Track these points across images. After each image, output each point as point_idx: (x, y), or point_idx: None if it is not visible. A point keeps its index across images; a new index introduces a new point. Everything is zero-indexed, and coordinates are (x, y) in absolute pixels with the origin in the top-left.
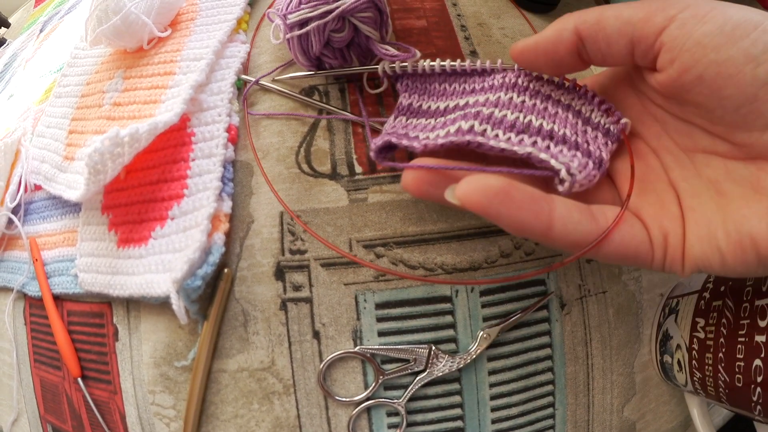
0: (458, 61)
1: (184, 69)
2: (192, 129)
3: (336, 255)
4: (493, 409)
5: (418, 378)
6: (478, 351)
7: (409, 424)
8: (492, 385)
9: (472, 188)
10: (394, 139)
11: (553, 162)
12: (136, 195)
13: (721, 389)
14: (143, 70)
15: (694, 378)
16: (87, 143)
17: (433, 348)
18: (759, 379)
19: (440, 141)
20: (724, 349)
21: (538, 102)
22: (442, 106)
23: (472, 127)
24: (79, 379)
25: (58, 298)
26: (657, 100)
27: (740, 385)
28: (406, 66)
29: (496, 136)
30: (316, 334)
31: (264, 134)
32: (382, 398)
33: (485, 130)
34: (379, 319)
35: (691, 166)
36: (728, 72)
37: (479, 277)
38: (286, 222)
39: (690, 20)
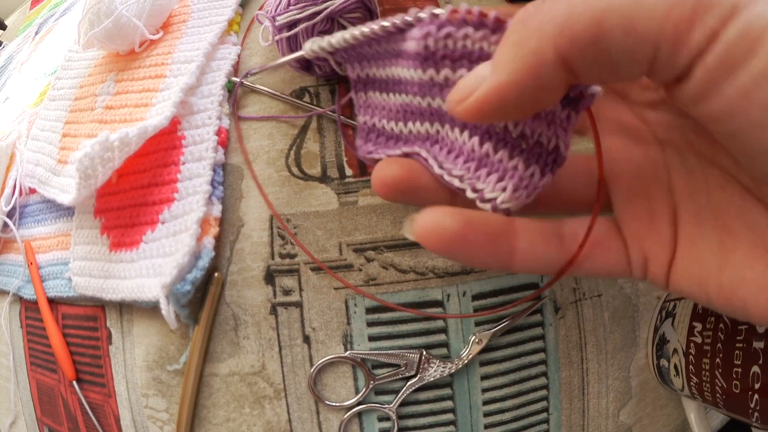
0: (374, 23)
1: (174, 72)
2: (182, 132)
3: (326, 259)
4: (486, 414)
5: (409, 383)
6: (470, 356)
7: (401, 429)
8: (484, 390)
9: (429, 231)
10: (376, 156)
11: (479, 204)
12: (128, 198)
13: (718, 395)
14: (135, 73)
15: (691, 383)
16: (80, 147)
17: (424, 353)
18: (757, 386)
19: (396, 152)
20: (721, 355)
21: (464, 72)
22: (381, 73)
23: (427, 131)
24: (74, 382)
25: (52, 302)
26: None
27: (737, 391)
28: (325, 46)
29: (445, 149)
30: (307, 339)
31: (254, 137)
32: (373, 403)
33: (437, 130)
34: (370, 324)
35: (701, 178)
36: None
37: (471, 281)
38: (275, 226)
39: (738, 43)
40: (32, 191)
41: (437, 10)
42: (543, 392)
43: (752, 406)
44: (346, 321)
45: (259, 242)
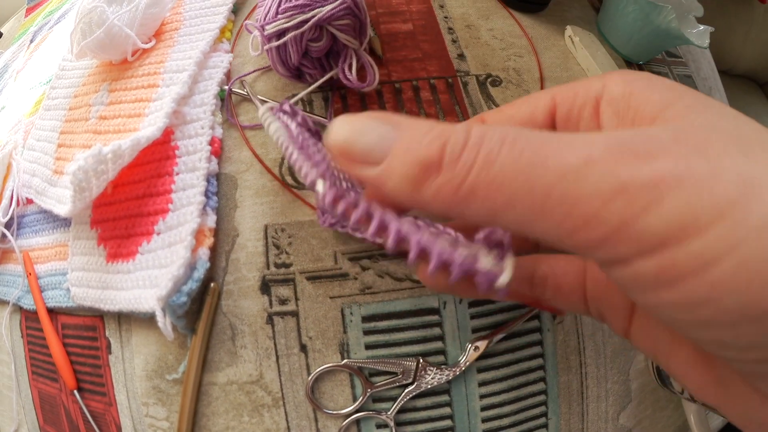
0: (288, 150)
1: (167, 81)
2: (176, 142)
3: (321, 268)
4: (484, 420)
5: (406, 390)
6: (468, 363)
7: None
8: (482, 396)
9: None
10: (339, 228)
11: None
12: (123, 209)
13: None
14: (128, 83)
15: None
16: (74, 157)
17: (421, 360)
18: None
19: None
20: None
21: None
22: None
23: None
24: (75, 392)
25: (52, 311)
26: None
27: None
28: (264, 126)
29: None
30: (303, 348)
31: (247, 146)
32: (370, 410)
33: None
34: (366, 332)
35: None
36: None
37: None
38: (270, 235)
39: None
40: (29, 201)
41: (322, 188)
42: (541, 397)
43: None
44: (342, 329)
45: (254, 252)
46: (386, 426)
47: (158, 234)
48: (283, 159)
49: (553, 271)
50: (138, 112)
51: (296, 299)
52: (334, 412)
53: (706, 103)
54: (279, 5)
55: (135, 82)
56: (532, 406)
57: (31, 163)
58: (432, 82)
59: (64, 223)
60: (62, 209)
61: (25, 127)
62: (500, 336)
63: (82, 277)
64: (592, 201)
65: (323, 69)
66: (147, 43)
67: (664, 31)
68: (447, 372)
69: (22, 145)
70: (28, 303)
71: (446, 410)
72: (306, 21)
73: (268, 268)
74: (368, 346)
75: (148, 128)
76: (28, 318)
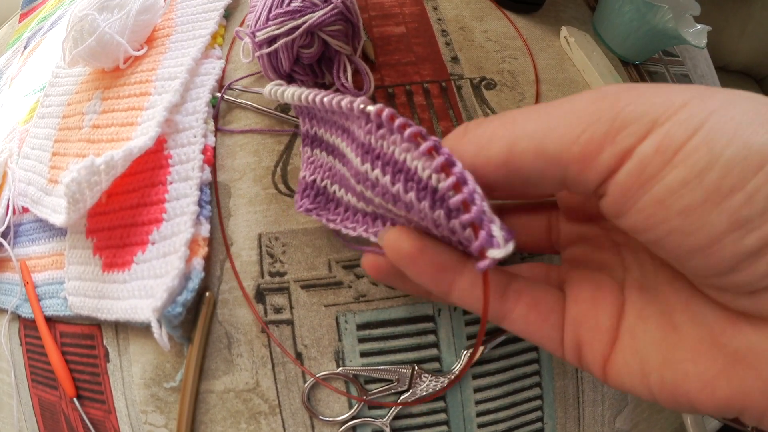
0: (317, 93)
1: (159, 89)
2: (168, 151)
3: (316, 276)
4: (480, 426)
5: (402, 397)
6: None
7: None
8: (478, 403)
9: (388, 245)
10: (305, 211)
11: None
12: (118, 219)
13: None
14: (120, 91)
15: None
16: (69, 166)
17: (416, 368)
18: None
19: (343, 231)
20: None
21: (388, 182)
22: (329, 138)
23: (363, 207)
24: (75, 399)
25: (50, 320)
26: None
27: None
28: (277, 95)
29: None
30: (299, 356)
31: (240, 154)
32: (366, 417)
33: (371, 210)
34: (361, 340)
35: (653, 275)
36: (698, 244)
37: None
38: (264, 244)
39: (653, 158)
40: (25, 210)
41: (380, 108)
42: (537, 402)
43: None
44: (337, 337)
45: (248, 261)
46: None
47: (153, 244)
48: (275, 166)
49: (532, 290)
50: (130, 120)
51: (291, 308)
52: (330, 419)
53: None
54: (270, 11)
55: (127, 90)
56: (527, 411)
57: (26, 172)
58: (425, 87)
59: (60, 232)
60: (57, 219)
61: (20, 135)
62: (495, 342)
63: (79, 287)
64: (581, 107)
65: (315, 75)
66: (139, 51)
67: (661, 31)
68: (442, 379)
69: (17, 153)
70: (26, 312)
71: (442, 416)
72: (297, 27)
73: (263, 277)
74: (363, 354)
75: (141, 138)
76: (27, 326)
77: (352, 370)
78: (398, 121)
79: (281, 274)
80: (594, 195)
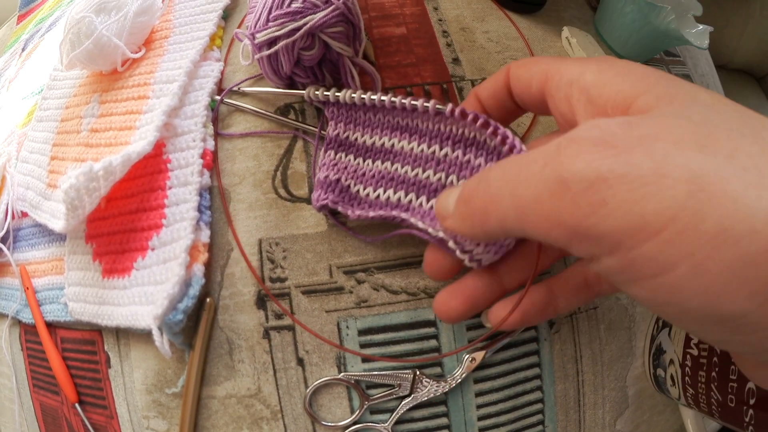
0: (380, 94)
1: (157, 93)
2: (167, 155)
3: (317, 282)
4: (481, 429)
5: (403, 402)
6: (464, 374)
7: None
8: (479, 407)
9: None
10: (330, 203)
11: (458, 254)
12: (117, 224)
13: (713, 407)
14: (118, 94)
15: (687, 394)
16: (67, 170)
17: (417, 373)
18: (752, 401)
19: (371, 215)
20: (717, 368)
21: (460, 154)
22: (368, 141)
23: (399, 199)
24: (77, 405)
25: (51, 325)
26: None
27: (733, 405)
28: (328, 95)
29: (421, 212)
30: (300, 362)
31: (240, 158)
32: (368, 422)
33: (410, 200)
34: (363, 345)
35: None
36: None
37: None
38: (265, 250)
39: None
40: (24, 215)
41: (452, 107)
42: (538, 406)
43: (747, 420)
44: (338, 343)
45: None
46: None
47: (153, 250)
48: (275, 171)
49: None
50: (129, 124)
51: (292, 313)
52: (332, 425)
53: (679, 92)
54: (269, 12)
55: (125, 94)
56: (529, 414)
57: (24, 176)
58: (426, 88)
59: (60, 237)
60: (56, 224)
61: (18, 139)
62: (497, 347)
63: (79, 293)
64: (543, 200)
65: (316, 78)
66: (137, 53)
67: (663, 32)
68: (443, 384)
69: (15, 157)
70: (26, 317)
71: (443, 420)
72: (297, 29)
73: (264, 283)
74: (365, 359)
75: (139, 142)
76: (27, 331)
77: (354, 375)
78: (470, 115)
79: (282, 280)
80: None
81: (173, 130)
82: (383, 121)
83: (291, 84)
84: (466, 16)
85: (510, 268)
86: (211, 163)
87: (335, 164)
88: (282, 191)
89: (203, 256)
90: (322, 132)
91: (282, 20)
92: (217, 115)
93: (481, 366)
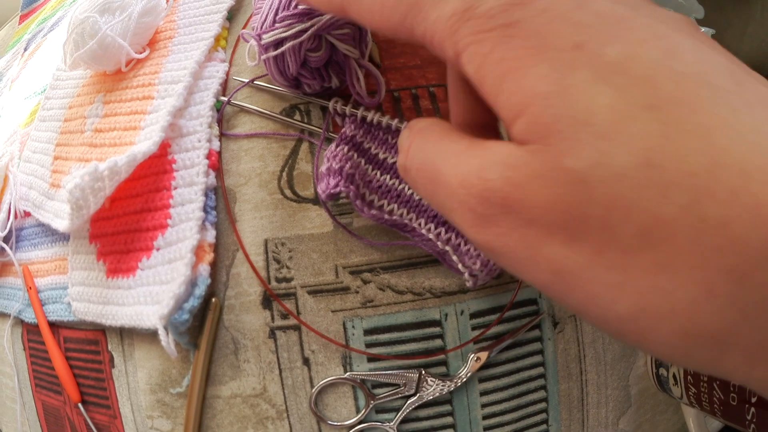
0: (405, 123)
1: (162, 93)
2: (173, 156)
3: (323, 282)
4: (486, 428)
5: (409, 401)
6: (469, 374)
7: None
8: (484, 406)
9: None
10: (342, 189)
11: (460, 267)
12: (122, 224)
13: (715, 405)
14: (123, 94)
15: (689, 392)
16: (71, 170)
17: (423, 372)
18: (753, 399)
19: (386, 217)
20: None
21: None
22: (381, 156)
23: (401, 215)
24: (80, 404)
25: (53, 325)
26: None
27: (735, 403)
28: (356, 113)
29: (427, 227)
30: (306, 361)
31: (245, 159)
32: (374, 422)
33: (411, 219)
34: (368, 345)
35: None
36: None
37: (469, 299)
38: (271, 250)
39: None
40: (27, 214)
41: None
42: (542, 405)
43: (749, 418)
44: (344, 343)
45: (255, 267)
46: None
47: (158, 250)
48: (281, 171)
49: None
50: (134, 125)
51: (298, 313)
52: (338, 424)
53: (562, 117)
54: (276, 14)
55: (130, 94)
56: (533, 413)
57: (27, 176)
58: (431, 90)
59: (63, 236)
60: (60, 224)
61: (21, 138)
62: (501, 346)
63: (83, 292)
64: None
65: (322, 79)
66: (141, 53)
67: None
68: (449, 383)
69: (18, 156)
70: (29, 316)
71: (448, 419)
72: (305, 30)
73: (270, 283)
74: (370, 359)
75: (145, 143)
76: (30, 331)
77: (360, 374)
78: None
79: (288, 280)
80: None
81: (178, 131)
82: (391, 144)
83: (297, 85)
84: None
85: None
86: (217, 163)
87: (349, 159)
88: (288, 192)
89: (209, 257)
90: (328, 133)
91: (289, 21)
92: (222, 116)
93: (486, 365)
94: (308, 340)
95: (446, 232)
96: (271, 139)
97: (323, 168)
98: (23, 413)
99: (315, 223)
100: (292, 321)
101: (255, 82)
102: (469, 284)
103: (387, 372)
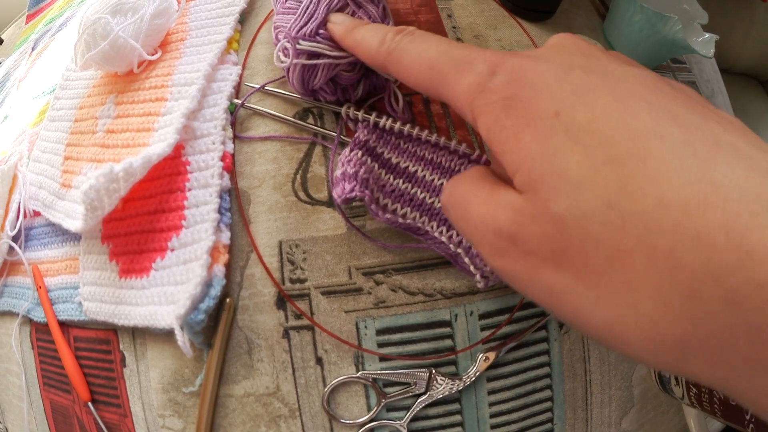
0: (417, 128)
1: (175, 95)
2: (186, 157)
3: (336, 283)
4: (493, 427)
5: (419, 400)
6: (478, 373)
7: None
8: (491, 404)
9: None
10: (358, 193)
11: (472, 268)
12: (135, 225)
13: (715, 405)
14: (135, 96)
15: (691, 393)
16: (83, 170)
17: (433, 371)
18: None
19: (400, 221)
20: None
21: None
22: (394, 161)
23: (414, 219)
24: (90, 403)
25: (63, 324)
26: None
27: (734, 403)
28: (368, 119)
29: (439, 230)
30: (319, 361)
31: (259, 161)
32: (385, 420)
33: (424, 222)
34: (380, 345)
35: None
36: None
37: (478, 300)
38: (285, 251)
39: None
40: (37, 213)
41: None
42: (548, 404)
43: (748, 417)
44: (357, 342)
45: (269, 268)
46: None
47: (172, 250)
48: (295, 174)
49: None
50: (147, 126)
51: (312, 314)
52: (350, 422)
53: (546, 173)
54: (319, 26)
55: (142, 95)
56: (538, 412)
57: (37, 176)
58: None
59: (74, 236)
60: (72, 225)
61: (30, 138)
62: (509, 347)
63: (95, 292)
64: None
65: (344, 95)
66: (153, 55)
67: (670, 41)
68: (458, 382)
69: (27, 156)
70: (38, 315)
71: (457, 418)
72: (347, 56)
73: (284, 284)
74: (382, 358)
75: (159, 144)
76: (39, 330)
77: (372, 374)
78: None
79: (302, 281)
80: None
81: (192, 133)
82: (411, 150)
83: (311, 93)
84: (480, 23)
85: None
86: (231, 165)
87: (363, 164)
88: (302, 194)
89: (224, 258)
90: (342, 137)
91: (334, 43)
92: (235, 119)
93: (494, 365)
94: (321, 340)
95: (458, 235)
96: (284, 142)
97: (338, 172)
98: (30, 411)
99: (329, 225)
100: (305, 321)
101: (266, 87)
102: (480, 285)
103: (398, 371)
